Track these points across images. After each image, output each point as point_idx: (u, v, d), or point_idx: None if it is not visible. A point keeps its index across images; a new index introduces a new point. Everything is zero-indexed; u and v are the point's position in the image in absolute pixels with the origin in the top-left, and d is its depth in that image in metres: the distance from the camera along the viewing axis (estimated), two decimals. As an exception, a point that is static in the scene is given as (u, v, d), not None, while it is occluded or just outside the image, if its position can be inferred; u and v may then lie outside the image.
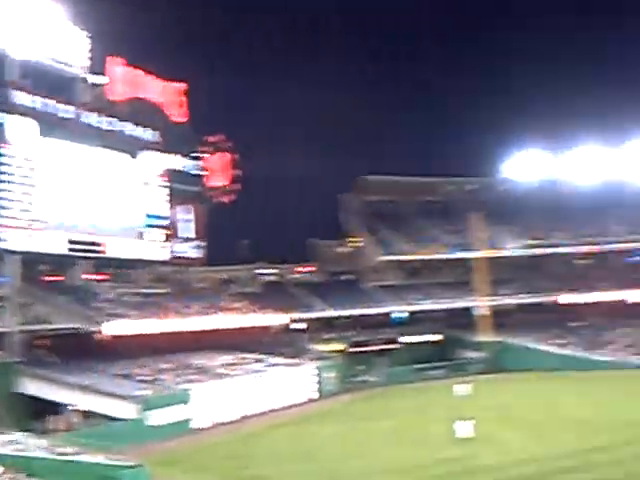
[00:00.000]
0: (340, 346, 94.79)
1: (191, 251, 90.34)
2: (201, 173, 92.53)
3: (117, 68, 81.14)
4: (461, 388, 73.44)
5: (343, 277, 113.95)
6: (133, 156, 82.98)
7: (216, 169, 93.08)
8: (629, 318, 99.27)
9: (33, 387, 62.02)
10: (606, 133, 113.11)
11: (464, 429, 49.69)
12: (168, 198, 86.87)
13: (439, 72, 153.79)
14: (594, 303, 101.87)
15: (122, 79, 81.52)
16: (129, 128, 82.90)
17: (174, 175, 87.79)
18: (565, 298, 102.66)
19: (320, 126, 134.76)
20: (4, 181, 67.37)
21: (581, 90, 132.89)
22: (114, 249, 78.50)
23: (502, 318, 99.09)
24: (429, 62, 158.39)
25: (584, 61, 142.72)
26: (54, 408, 59.72)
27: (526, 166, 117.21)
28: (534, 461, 41.60)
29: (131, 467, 41.82)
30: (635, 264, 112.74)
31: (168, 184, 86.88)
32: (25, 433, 50.11)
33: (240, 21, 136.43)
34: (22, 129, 69.63)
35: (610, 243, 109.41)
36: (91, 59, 78.94)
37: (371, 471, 43.15)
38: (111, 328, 69.48)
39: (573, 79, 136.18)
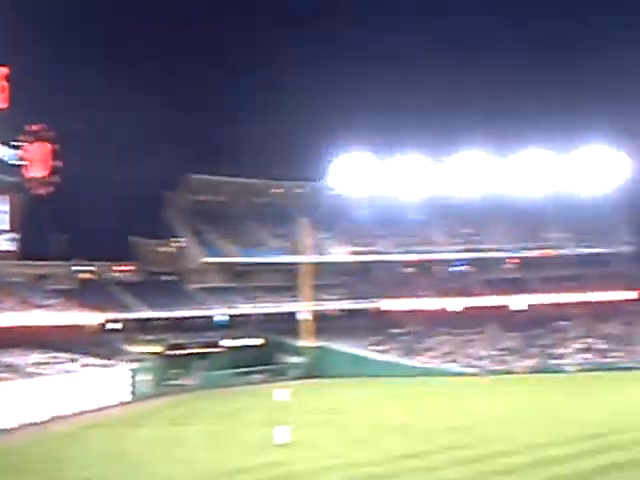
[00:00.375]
0: (157, 348, 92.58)
1: (5, 244, 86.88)
2: (20, 163, 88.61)
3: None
4: (281, 393, 72.55)
5: (164, 277, 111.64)
6: (-53, 142, 78.83)
7: (35, 159, 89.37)
8: (448, 326, 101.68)
9: None
10: (432, 145, 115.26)
11: (282, 434, 48.63)
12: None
13: (263, 68, 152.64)
14: (415, 310, 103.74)
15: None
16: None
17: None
18: (387, 304, 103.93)
19: (148, 122, 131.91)
20: None
21: (408, 99, 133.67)
22: None
23: (325, 323, 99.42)
24: (262, 60, 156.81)
25: (412, 64, 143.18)
26: None
27: (354, 173, 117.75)
28: (347, 467, 40.80)
29: None
30: (457, 273, 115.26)
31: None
32: None
33: (70, 6, 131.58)
34: None
35: (433, 252, 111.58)
36: None
37: (186, 475, 41.44)
38: None
39: (399, 87, 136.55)
